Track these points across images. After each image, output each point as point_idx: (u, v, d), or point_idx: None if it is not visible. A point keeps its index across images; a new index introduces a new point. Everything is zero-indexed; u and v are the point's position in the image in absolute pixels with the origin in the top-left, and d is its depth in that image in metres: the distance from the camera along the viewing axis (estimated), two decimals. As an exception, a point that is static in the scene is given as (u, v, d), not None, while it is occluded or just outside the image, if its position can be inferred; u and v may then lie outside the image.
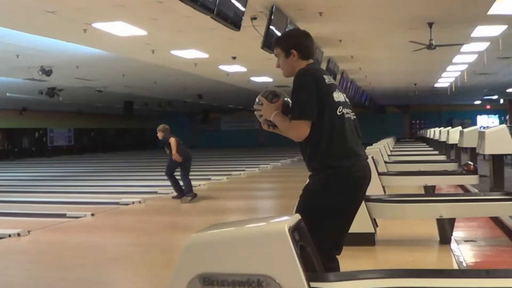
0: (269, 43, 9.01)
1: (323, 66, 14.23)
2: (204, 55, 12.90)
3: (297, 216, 2.49)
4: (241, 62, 14.35)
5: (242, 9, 7.57)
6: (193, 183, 10.07)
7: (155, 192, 10.86)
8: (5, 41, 11.62)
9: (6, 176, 16.78)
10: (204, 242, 2.36)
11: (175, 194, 9.93)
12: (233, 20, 7.43)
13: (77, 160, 25.18)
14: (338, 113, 3.06)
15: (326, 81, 3.10)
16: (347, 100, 3.21)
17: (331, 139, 3.03)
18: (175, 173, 9.79)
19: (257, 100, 3.22)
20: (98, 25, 9.79)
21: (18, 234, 6.66)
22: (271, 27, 8.77)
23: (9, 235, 6.59)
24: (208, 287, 2.24)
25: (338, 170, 3.03)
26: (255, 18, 8.91)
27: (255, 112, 3.23)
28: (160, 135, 9.95)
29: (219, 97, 26.82)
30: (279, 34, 9.28)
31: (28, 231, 6.81)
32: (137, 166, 20.14)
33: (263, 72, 16.14)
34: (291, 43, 3.20)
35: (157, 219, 8.36)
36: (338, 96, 3.11)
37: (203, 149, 28.35)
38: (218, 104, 31.26)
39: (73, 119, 32.00)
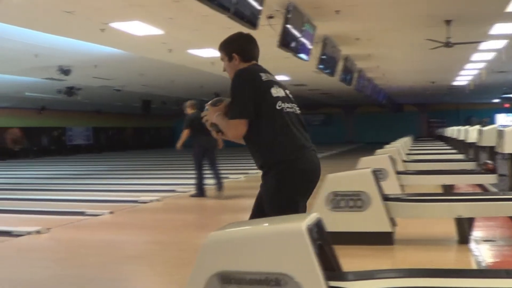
0: (286, 41, 9.01)
1: (340, 64, 14.20)
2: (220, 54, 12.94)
3: (316, 215, 2.49)
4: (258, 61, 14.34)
5: (259, 7, 7.57)
6: (211, 182, 10.11)
7: (173, 191, 10.89)
8: (24, 41, 11.73)
9: (25, 175, 16.92)
10: (222, 241, 2.37)
11: (193, 192, 9.96)
12: (249, 19, 7.44)
13: (95, 159, 25.33)
14: (277, 108, 3.15)
15: (263, 78, 3.20)
16: (290, 95, 3.32)
17: (272, 134, 3.12)
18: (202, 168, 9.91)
19: (205, 107, 3.35)
20: (115, 25, 9.87)
21: (38, 232, 6.72)
22: (288, 25, 8.77)
23: (29, 233, 6.66)
24: (226, 286, 2.25)
25: (284, 165, 3.08)
26: (271, 17, 8.91)
27: (203, 120, 3.36)
28: (189, 111, 10.03)
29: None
30: (296, 32, 9.30)
31: (48, 229, 6.87)
32: (155, 165, 20.21)
33: (280, 71, 16.12)
34: (232, 47, 3.35)
35: (175, 217, 8.39)
36: (277, 91, 3.21)
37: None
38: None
39: (92, 118, 32.19)
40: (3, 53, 13.26)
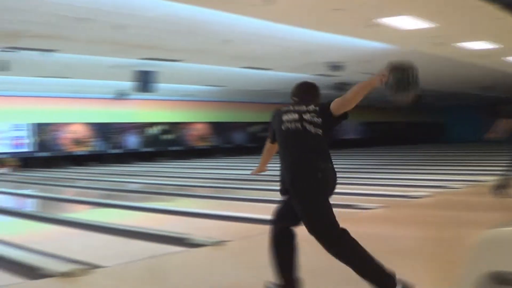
0: None
1: None
2: (491, 46, 12.27)
3: None
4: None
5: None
6: (480, 178, 9.57)
7: (444, 187, 10.61)
8: (293, 38, 12.39)
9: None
10: (497, 240, 2.27)
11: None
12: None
13: (366, 153, 25.68)
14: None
15: (283, 109, 4.05)
16: (306, 116, 3.88)
17: None
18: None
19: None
20: (383, 20, 9.92)
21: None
22: None
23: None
24: (499, 286, 2.15)
25: None
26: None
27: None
28: None
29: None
30: None
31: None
32: (426, 160, 19.86)
33: None
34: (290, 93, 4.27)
35: (446, 213, 8.16)
36: (291, 116, 3.91)
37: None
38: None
39: (363, 112, 32.76)
40: (276, 52, 14.16)
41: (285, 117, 3.90)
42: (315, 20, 10.39)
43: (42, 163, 22.40)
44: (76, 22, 10.20)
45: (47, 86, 19.84)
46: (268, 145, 4.25)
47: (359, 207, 8.32)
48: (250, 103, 27.13)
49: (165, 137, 25.99)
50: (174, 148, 25.57)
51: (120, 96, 22.19)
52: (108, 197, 11.95)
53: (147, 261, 5.36)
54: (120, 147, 24.66)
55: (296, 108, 3.95)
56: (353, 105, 3.79)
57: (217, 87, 22.43)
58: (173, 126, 26.04)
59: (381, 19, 9.91)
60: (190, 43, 12.80)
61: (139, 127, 25.22)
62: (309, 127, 3.80)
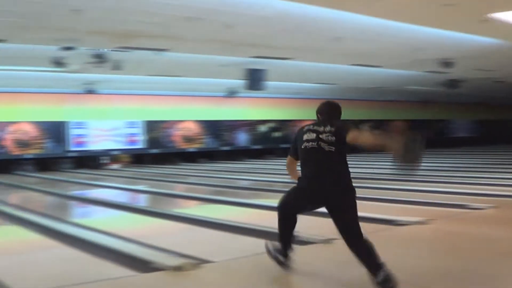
0: None
1: None
2: None
3: None
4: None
5: None
6: None
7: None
8: (404, 35, 12.26)
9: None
10: None
11: None
12: None
13: (478, 152, 24.83)
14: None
15: (304, 129, 4.75)
16: (322, 136, 4.59)
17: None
18: None
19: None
20: (496, 15, 9.64)
21: (421, 222, 6.99)
22: None
23: (412, 223, 6.96)
24: None
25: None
26: None
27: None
28: None
29: None
30: None
31: (430, 220, 7.10)
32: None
33: None
34: (316, 110, 4.92)
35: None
36: (310, 136, 4.64)
37: None
38: None
39: (475, 110, 31.71)
40: (386, 49, 14.04)
41: (305, 137, 4.66)
42: (425, 16, 10.25)
43: (153, 159, 23.32)
44: (186, 21, 10.60)
45: (159, 85, 20.64)
46: (290, 160, 4.94)
47: (468, 207, 8.16)
48: (359, 100, 27.00)
49: (274, 134, 26.36)
50: (284, 145, 25.88)
51: (231, 94, 22.68)
52: (218, 193, 12.25)
53: (255, 257, 5.42)
54: (230, 144, 25.23)
55: (315, 128, 4.67)
56: (361, 146, 4.51)
57: (327, 85, 22.47)
58: (283, 124, 26.35)
59: (494, 14, 9.64)
60: (300, 41, 12.95)
61: (249, 125, 25.70)
62: (323, 145, 4.54)
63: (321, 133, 4.59)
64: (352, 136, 4.45)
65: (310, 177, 4.61)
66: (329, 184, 4.51)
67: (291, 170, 4.98)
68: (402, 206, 8.80)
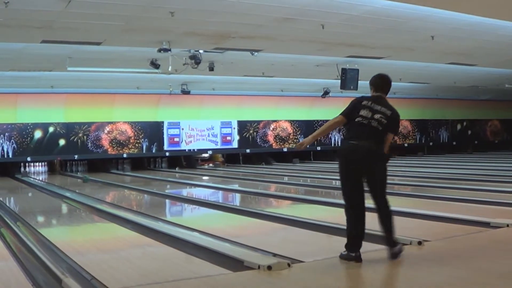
0: None
1: None
2: None
3: None
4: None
5: None
6: None
7: None
8: (498, 33, 11.91)
9: (502, 166, 16.64)
10: None
11: None
12: None
13: None
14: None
15: (363, 103, 5.39)
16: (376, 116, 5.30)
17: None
18: None
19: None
20: None
21: (508, 225, 6.74)
22: None
23: (507, 225, 6.70)
24: None
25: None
26: None
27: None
28: None
29: None
30: None
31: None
32: None
33: None
34: (370, 82, 5.60)
35: None
36: (366, 113, 5.31)
37: None
38: None
39: None
40: (482, 47, 13.64)
41: (362, 112, 5.29)
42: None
43: (247, 159, 23.59)
44: (280, 22, 10.68)
45: (253, 85, 20.87)
46: (340, 119, 5.41)
47: None
48: (453, 99, 26.25)
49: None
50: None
51: (325, 94, 22.57)
52: (311, 193, 12.26)
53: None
54: (324, 144, 25.08)
55: (373, 105, 5.33)
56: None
57: (421, 84, 22.08)
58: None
59: None
60: (395, 40, 12.81)
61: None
62: (373, 123, 5.25)
63: (376, 112, 5.30)
64: (389, 137, 5.39)
65: (353, 141, 5.28)
66: (367, 150, 5.18)
67: (327, 128, 5.54)
68: (496, 208, 8.45)
